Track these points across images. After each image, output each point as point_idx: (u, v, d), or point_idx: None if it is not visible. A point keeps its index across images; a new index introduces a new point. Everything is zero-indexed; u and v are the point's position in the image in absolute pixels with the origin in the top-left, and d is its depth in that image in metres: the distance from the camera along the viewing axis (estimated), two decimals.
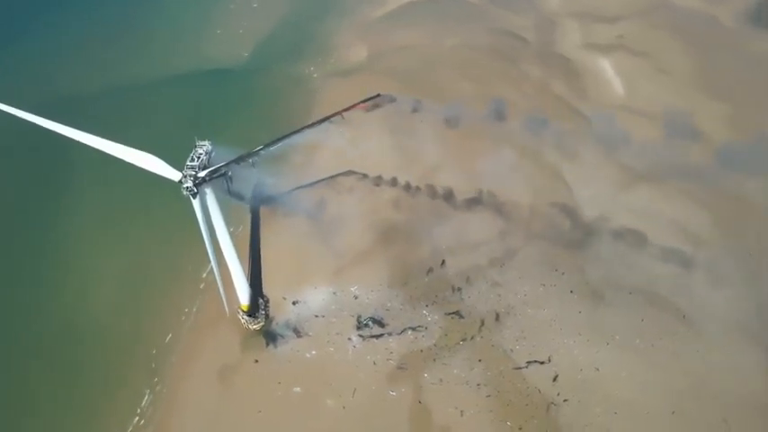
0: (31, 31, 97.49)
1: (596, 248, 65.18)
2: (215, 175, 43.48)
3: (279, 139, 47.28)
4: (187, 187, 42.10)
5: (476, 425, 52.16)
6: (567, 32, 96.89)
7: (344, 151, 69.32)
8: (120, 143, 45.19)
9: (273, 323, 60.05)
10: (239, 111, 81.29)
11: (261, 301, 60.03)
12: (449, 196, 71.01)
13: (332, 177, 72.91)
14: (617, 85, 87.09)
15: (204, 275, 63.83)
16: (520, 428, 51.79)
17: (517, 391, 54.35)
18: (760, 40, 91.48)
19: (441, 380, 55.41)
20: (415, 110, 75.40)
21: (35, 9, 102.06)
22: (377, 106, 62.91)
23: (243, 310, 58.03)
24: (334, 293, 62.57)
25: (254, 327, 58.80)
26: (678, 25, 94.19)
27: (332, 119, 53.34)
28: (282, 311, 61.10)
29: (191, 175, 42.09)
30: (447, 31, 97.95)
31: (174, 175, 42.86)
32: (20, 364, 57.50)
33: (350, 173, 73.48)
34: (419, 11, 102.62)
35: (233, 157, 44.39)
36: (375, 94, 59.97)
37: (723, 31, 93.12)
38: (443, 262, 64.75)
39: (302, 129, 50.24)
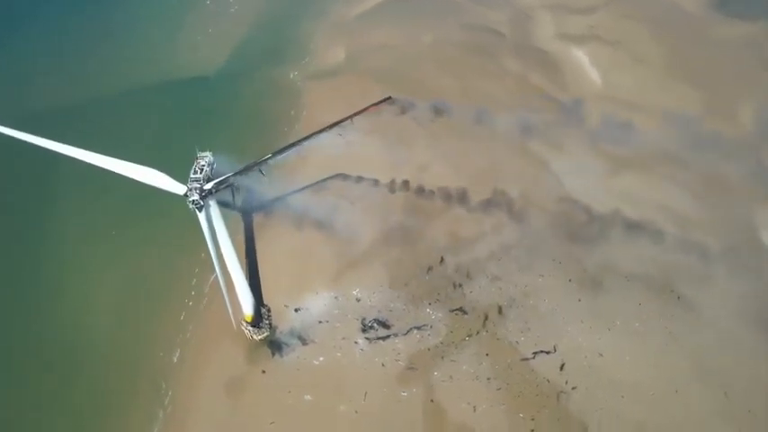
0: (5, 47, 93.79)
1: (590, 236, 66.46)
2: (221, 187, 42.59)
3: (288, 147, 46.66)
4: (193, 201, 41.12)
5: (490, 419, 52.74)
6: (541, 25, 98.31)
7: (334, 154, 68.64)
8: (106, 156, 43.75)
9: (277, 332, 59.38)
10: (223, 118, 79.86)
11: (263, 310, 59.20)
12: (441, 194, 71.30)
13: (323, 181, 72.39)
14: (594, 75, 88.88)
15: (205, 290, 62.59)
16: (533, 419, 52.59)
17: (526, 383, 55.14)
18: (725, 25, 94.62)
19: (451, 377, 55.78)
20: (402, 110, 75.26)
21: (9, 24, 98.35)
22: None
23: (247, 321, 57.15)
24: (336, 298, 62.25)
25: (259, 337, 58.00)
26: (648, 14, 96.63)
27: (342, 124, 52.69)
28: (285, 320, 60.46)
29: (196, 188, 41.11)
30: (423, 28, 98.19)
31: (178, 188, 41.81)
32: (21, 396, 55.31)
33: (341, 176, 73.04)
34: (394, 9, 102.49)
35: (240, 168, 43.51)
36: (386, 96, 59.43)
37: (690, 19, 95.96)
38: (442, 259, 65.09)
39: (312, 135, 49.71)
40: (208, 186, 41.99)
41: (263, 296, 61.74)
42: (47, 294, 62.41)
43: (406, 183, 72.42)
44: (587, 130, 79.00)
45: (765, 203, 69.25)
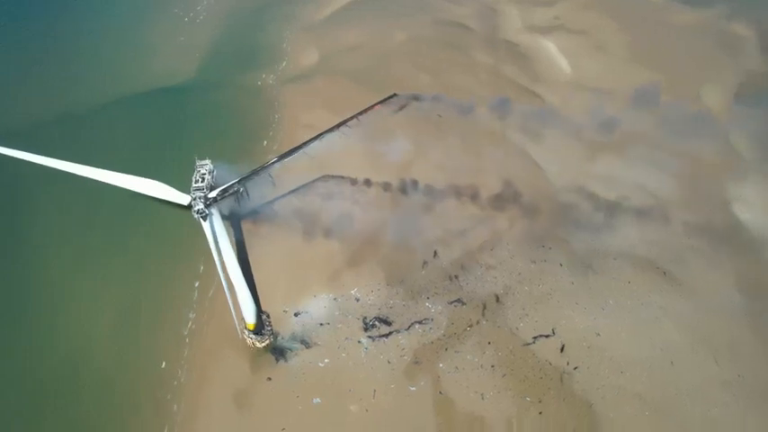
0: None
1: (575, 219, 68.55)
2: (227, 194, 42.03)
3: (295, 149, 46.31)
4: (198, 210, 40.44)
5: (498, 405, 53.81)
6: (507, 18, 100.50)
7: (317, 156, 68.53)
8: (107, 171, 42.71)
9: (279, 338, 58.97)
10: (202, 127, 78.60)
11: (263, 317, 58.71)
12: (427, 190, 72.08)
13: (309, 184, 72.09)
14: (563, 64, 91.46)
15: (205, 303, 61.61)
16: (540, 401, 53.93)
17: (530, 367, 56.46)
18: (681, 13, 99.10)
19: (456, 368, 56.62)
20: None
21: None
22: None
23: (249, 330, 56.56)
24: (335, 299, 62.25)
25: (262, 345, 57.51)
26: (608, 4, 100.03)
27: (348, 123, 52.57)
28: (286, 325, 60.09)
29: (200, 197, 40.41)
30: (393, 27, 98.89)
31: (181, 198, 41.06)
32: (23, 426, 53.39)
33: (327, 177, 72.96)
34: (362, 9, 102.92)
35: (245, 173, 43.03)
36: (391, 94, 59.46)
37: (649, 6, 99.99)
38: (435, 253, 65.88)
39: (318, 136, 49.38)
40: (213, 194, 41.37)
41: (261, 303, 61.10)
42: (44, 314, 60.72)
43: (392, 180, 72.82)
44: (562, 117, 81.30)
45: (735, 178, 72.90)
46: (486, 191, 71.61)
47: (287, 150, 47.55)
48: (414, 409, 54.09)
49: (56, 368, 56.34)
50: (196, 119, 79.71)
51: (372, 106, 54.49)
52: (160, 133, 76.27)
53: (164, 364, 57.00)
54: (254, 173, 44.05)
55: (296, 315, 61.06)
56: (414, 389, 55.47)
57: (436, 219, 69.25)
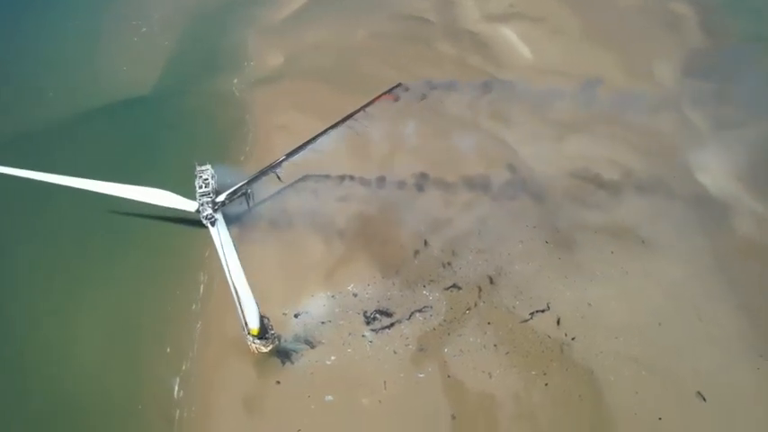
0: None
1: (554, 198, 71.20)
2: (235, 197, 41.50)
3: (301, 147, 46.09)
4: (207, 215, 39.81)
5: (506, 382, 55.59)
6: (465, 8, 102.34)
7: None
8: (108, 182, 41.43)
9: (282, 340, 58.62)
10: (172, 135, 76.57)
11: (266, 321, 58.17)
12: (410, 181, 73.11)
13: (292, 185, 71.62)
14: (523, 50, 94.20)
15: (205, 313, 60.45)
16: (544, 373, 56.06)
17: (530, 342, 58.54)
18: None
19: (461, 350, 58.02)
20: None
21: None
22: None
23: (253, 335, 55.91)
24: (333, 297, 62.47)
25: (267, 349, 56.97)
26: None
27: (354, 116, 52.40)
28: (287, 327, 59.86)
29: (207, 202, 39.75)
30: (354, 24, 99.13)
31: (188, 205, 40.31)
32: None
33: (307, 177, 72.70)
34: (320, 8, 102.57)
35: (253, 174, 42.58)
36: (397, 83, 59.47)
37: None
38: (426, 242, 67.07)
39: (325, 131, 49.23)
40: (220, 198, 40.81)
41: (260, 307, 60.49)
42: (34, 333, 58.30)
43: (375, 174, 73.27)
44: (529, 101, 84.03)
45: (694, 148, 77.40)
46: (466, 177, 73.36)
47: (294, 148, 47.23)
48: (425, 395, 55.16)
49: (53, 391, 54.04)
50: (165, 128, 77.62)
51: (378, 97, 54.72)
52: (129, 145, 73.82)
53: (167, 378, 55.64)
54: (262, 173, 43.72)
55: (296, 316, 60.95)
56: (422, 376, 56.52)
57: (422, 209, 70.48)
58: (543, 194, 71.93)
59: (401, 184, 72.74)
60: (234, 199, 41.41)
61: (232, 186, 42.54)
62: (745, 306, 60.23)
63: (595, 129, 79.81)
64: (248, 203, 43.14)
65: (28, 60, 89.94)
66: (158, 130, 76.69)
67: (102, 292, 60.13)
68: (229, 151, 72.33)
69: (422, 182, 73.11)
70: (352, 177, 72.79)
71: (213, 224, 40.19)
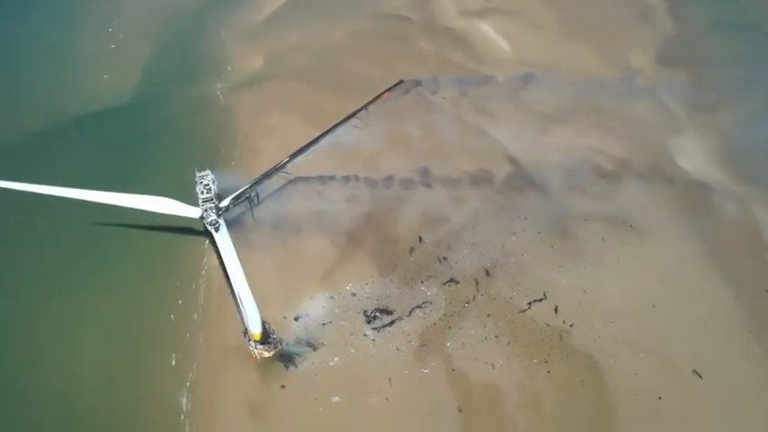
0: None
1: (543, 188, 72.38)
2: (239, 201, 40.98)
3: (307, 146, 45.67)
4: (211, 221, 39.27)
5: (509, 372, 56.34)
6: (441, 5, 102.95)
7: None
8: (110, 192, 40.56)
9: (284, 344, 58.29)
10: (157, 144, 75.29)
11: (267, 326, 57.72)
12: (400, 178, 73.40)
13: (282, 189, 71.12)
14: (502, 44, 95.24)
15: (205, 321, 59.61)
16: (546, 361, 57.01)
17: (530, 332, 59.42)
18: None
19: (463, 344, 58.56)
20: None
21: None
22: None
23: (255, 341, 55.46)
24: (332, 297, 62.37)
25: (269, 354, 56.61)
26: None
27: (357, 114, 52.06)
28: (288, 330, 59.54)
29: (211, 208, 39.19)
30: (333, 24, 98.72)
31: (192, 212, 39.70)
32: None
33: (296, 179, 72.25)
34: (297, 9, 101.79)
35: (257, 177, 42.11)
36: (398, 81, 59.23)
37: None
38: (420, 238, 67.45)
39: (330, 130, 48.85)
40: (225, 203, 40.26)
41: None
42: (34, 346, 57.03)
43: (363, 173, 73.40)
44: (511, 95, 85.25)
45: (673, 134, 79.61)
46: (455, 173, 74.04)
47: (297, 149, 46.92)
48: (431, 389, 55.55)
49: (59, 406, 52.77)
50: (150, 135, 76.25)
51: (381, 95, 54.62)
52: (115, 155, 72.35)
53: (173, 391, 54.78)
54: (266, 176, 43.33)
55: (296, 319, 60.67)
56: (427, 371, 56.88)
57: (414, 205, 70.87)
58: (532, 186, 73.04)
59: (390, 183, 72.99)
60: (238, 203, 40.87)
61: (233, 191, 41.88)
62: (732, 285, 62.22)
63: (578, 118, 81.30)
64: (252, 207, 42.60)
65: (5, 72, 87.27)
66: (143, 139, 75.28)
67: (101, 306, 58.80)
68: (218, 157, 71.23)
69: (411, 179, 73.49)
70: (340, 178, 72.71)
71: (217, 230, 39.65)
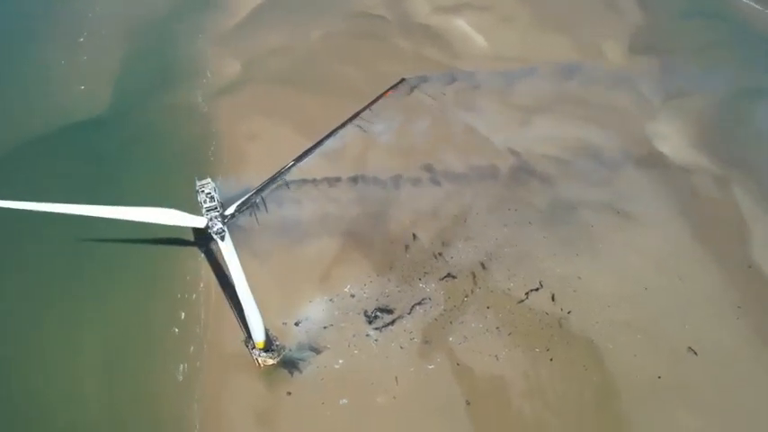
0: None
1: (530, 180, 73.49)
2: (244, 208, 40.33)
3: (310, 150, 45.09)
4: (217, 230, 38.49)
5: (513, 361, 56.99)
6: (414, 2, 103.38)
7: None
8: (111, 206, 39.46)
9: (287, 350, 57.71)
10: (137, 156, 73.42)
11: (270, 333, 57.04)
12: (389, 178, 73.41)
13: (271, 194, 70.18)
14: (478, 39, 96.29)
15: (207, 334, 58.44)
16: (548, 349, 57.87)
17: (530, 321, 60.24)
18: None
19: (465, 337, 58.97)
20: None
21: None
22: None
23: (259, 348, 54.81)
24: (332, 300, 62.03)
25: (272, 361, 55.99)
26: None
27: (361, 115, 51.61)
28: (290, 336, 59.00)
29: (216, 217, 38.43)
30: (308, 25, 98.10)
31: (198, 222, 38.84)
32: None
33: (286, 183, 71.45)
34: (272, 12, 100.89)
35: (261, 183, 41.45)
36: (400, 79, 58.87)
37: None
38: (415, 236, 67.64)
39: (333, 132, 48.27)
40: (230, 211, 39.51)
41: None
42: (36, 359, 55.21)
43: (352, 173, 73.23)
44: (491, 89, 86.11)
45: (650, 120, 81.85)
46: (444, 169, 74.51)
47: (301, 152, 46.34)
48: (437, 385, 55.75)
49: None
50: (131, 148, 74.33)
51: (383, 94, 54.40)
52: (97, 167, 70.27)
53: (178, 401, 53.59)
54: (271, 181, 42.70)
55: (296, 324, 60.13)
56: (432, 367, 57.08)
57: (405, 203, 71.01)
58: (519, 178, 74.05)
59: (380, 182, 72.99)
60: (243, 210, 40.27)
61: (228, 198, 41.21)
62: (718, 262, 64.29)
63: (558, 109, 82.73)
64: (255, 215, 42.03)
65: None
66: (125, 150, 73.42)
67: (98, 325, 57.24)
68: (206, 165, 70.07)
69: (400, 177, 73.58)
70: (329, 180, 72.33)
71: (223, 239, 38.95)
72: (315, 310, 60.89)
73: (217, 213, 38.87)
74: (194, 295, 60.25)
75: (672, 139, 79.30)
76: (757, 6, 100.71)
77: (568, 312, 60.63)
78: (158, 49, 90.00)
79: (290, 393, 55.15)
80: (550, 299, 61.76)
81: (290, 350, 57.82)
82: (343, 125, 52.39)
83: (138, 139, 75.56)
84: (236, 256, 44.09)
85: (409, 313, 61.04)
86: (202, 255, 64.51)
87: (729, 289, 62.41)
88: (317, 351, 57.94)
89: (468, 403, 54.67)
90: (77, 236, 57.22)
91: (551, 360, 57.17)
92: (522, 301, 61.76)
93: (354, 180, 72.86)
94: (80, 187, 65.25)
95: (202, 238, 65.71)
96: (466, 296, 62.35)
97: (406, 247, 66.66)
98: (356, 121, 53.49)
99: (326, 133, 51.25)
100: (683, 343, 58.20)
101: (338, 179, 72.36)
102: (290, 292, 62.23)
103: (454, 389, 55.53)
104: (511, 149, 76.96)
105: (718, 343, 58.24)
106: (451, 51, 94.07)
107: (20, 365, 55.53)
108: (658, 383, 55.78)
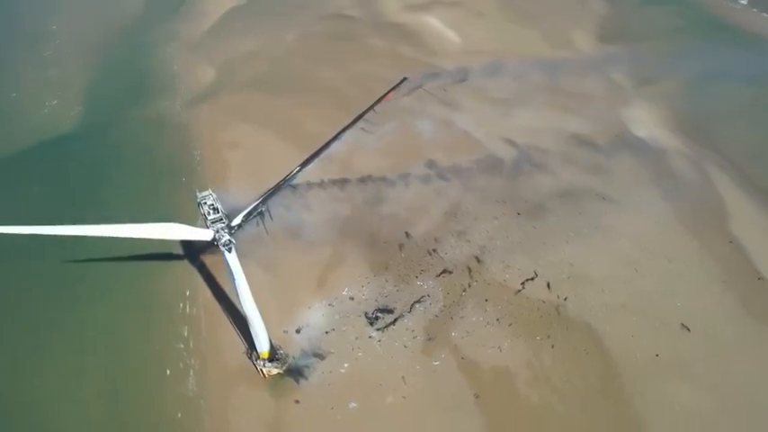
0: None
1: (516, 171, 74.68)
2: (251, 218, 39.52)
3: (315, 154, 44.40)
4: (225, 242, 37.61)
5: (516, 351, 57.64)
6: (385, 2, 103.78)
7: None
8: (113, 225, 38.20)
9: (291, 359, 57.02)
10: (115, 171, 71.18)
11: (273, 342, 56.25)
12: (377, 178, 73.46)
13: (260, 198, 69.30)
14: (451, 35, 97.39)
15: (208, 349, 57.18)
16: (548, 336, 58.78)
17: (528, 310, 61.05)
18: None
19: (467, 331, 59.39)
20: None
21: None
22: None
23: (264, 358, 54.00)
24: (331, 305, 61.59)
25: (277, 371, 55.23)
26: None
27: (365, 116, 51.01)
28: (292, 344, 58.29)
29: (223, 228, 37.53)
30: (280, 28, 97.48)
31: (205, 235, 37.86)
32: None
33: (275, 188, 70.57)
34: (242, 16, 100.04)
35: (267, 191, 40.67)
36: (402, 78, 58.43)
37: None
38: (408, 234, 67.81)
39: (337, 136, 47.59)
40: (236, 221, 38.65)
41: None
42: (39, 387, 52.75)
43: (338, 177, 72.93)
44: (468, 84, 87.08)
45: (624, 106, 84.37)
46: (429, 166, 75.00)
47: (307, 157, 45.70)
48: (445, 381, 55.88)
49: None
50: (110, 163, 72.04)
51: (386, 94, 54.01)
52: (74, 185, 67.78)
53: (186, 423, 52.27)
54: (277, 188, 41.96)
55: (297, 332, 59.48)
56: (437, 363, 57.25)
57: (395, 202, 71.18)
58: (503, 170, 75.18)
59: (368, 182, 72.90)
60: (250, 220, 39.48)
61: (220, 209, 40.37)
62: (701, 240, 66.52)
63: (534, 100, 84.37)
64: (264, 223, 41.30)
65: None
66: (103, 165, 71.07)
67: (101, 348, 55.30)
68: (179, 179, 68.39)
69: (387, 177, 73.74)
70: (317, 184, 71.75)
71: (230, 250, 38.08)
72: (315, 316, 60.36)
73: (223, 225, 37.96)
74: (195, 309, 58.89)
75: (647, 123, 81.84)
76: None
77: (565, 299, 61.74)
78: (129, 60, 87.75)
79: (298, 401, 54.46)
80: (546, 287, 62.76)
81: (294, 358, 57.10)
82: (347, 127, 51.96)
83: (117, 154, 73.38)
84: (240, 267, 43.28)
85: (409, 312, 61.11)
86: (195, 268, 63.12)
87: (714, 266, 64.55)
88: (321, 357, 57.40)
89: (476, 396, 55.01)
90: (68, 257, 54.86)
91: (553, 347, 58.06)
92: (519, 291, 62.59)
93: (342, 183, 72.54)
94: (61, 206, 62.76)
95: (191, 251, 64.56)
96: (464, 290, 62.81)
97: (400, 246, 66.75)
98: (360, 124, 52.87)
99: (330, 138, 50.71)
100: (676, 320, 59.86)
101: (326, 183, 71.88)
102: (288, 299, 61.56)
103: (462, 383, 55.80)
104: (493, 143, 78.01)
105: (707, 317, 60.11)
106: (426, 49, 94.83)
107: (23, 394, 53.28)
108: (657, 361, 57.25)
